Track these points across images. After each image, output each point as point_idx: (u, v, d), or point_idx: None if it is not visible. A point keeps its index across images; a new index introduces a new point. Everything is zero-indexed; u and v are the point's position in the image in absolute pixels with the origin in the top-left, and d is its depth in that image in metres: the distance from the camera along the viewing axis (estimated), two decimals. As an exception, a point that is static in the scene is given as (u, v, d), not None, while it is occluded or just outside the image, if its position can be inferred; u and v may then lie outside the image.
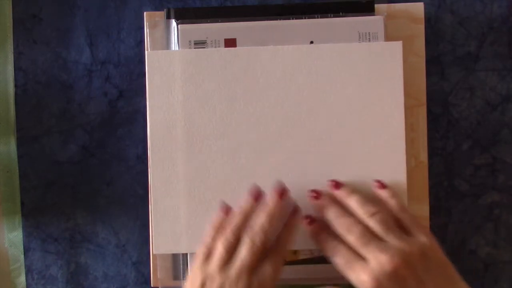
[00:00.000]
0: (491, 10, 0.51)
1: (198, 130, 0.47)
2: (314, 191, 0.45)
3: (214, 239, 0.43)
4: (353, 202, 0.44)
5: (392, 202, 0.44)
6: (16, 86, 0.53)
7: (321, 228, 0.44)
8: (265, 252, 0.43)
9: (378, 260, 0.40)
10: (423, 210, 0.49)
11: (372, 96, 0.46)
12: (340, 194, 0.45)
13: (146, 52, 0.47)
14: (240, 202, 0.45)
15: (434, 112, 0.52)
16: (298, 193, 0.46)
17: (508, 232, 0.52)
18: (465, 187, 0.52)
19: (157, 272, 0.49)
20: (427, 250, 0.41)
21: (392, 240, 0.41)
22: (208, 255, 0.43)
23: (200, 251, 0.43)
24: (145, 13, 0.50)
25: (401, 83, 0.46)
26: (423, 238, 0.42)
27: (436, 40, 0.52)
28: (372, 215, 0.42)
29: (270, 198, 0.44)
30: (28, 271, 0.53)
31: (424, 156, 0.49)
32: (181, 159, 0.47)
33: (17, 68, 0.53)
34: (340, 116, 0.46)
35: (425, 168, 0.49)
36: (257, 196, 0.44)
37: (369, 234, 0.41)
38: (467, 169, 0.52)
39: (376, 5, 0.48)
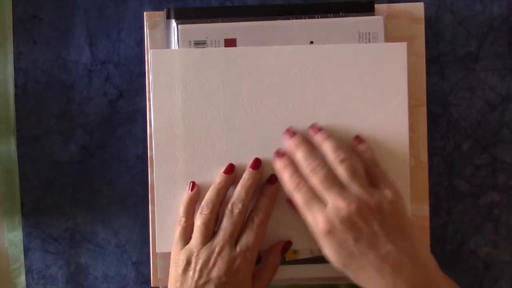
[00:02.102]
0: (491, 10, 0.51)
1: (201, 129, 0.47)
2: (289, 130, 0.45)
3: (187, 217, 0.45)
4: (327, 147, 0.43)
5: (367, 155, 0.44)
6: (16, 86, 0.53)
7: (289, 163, 0.44)
8: (244, 221, 0.44)
9: (335, 204, 0.40)
10: (423, 210, 0.49)
11: (376, 97, 0.46)
12: (316, 138, 0.45)
13: (150, 50, 0.47)
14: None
15: (434, 112, 0.52)
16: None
17: (508, 232, 0.52)
18: (465, 187, 0.52)
19: (157, 272, 0.49)
20: (386, 203, 0.41)
21: (355, 188, 0.41)
22: (186, 234, 0.44)
23: (177, 233, 0.44)
24: (145, 13, 0.50)
25: (405, 84, 0.46)
26: (387, 192, 0.42)
27: (436, 40, 0.52)
28: (342, 161, 0.42)
29: (245, 171, 0.45)
30: (28, 271, 0.53)
31: (424, 156, 0.49)
32: (183, 158, 0.47)
33: (17, 68, 0.53)
34: (343, 116, 0.46)
35: (425, 168, 0.49)
36: (228, 170, 0.45)
37: (333, 179, 0.41)
38: (467, 169, 0.52)
39: (376, 5, 0.48)
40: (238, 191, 0.44)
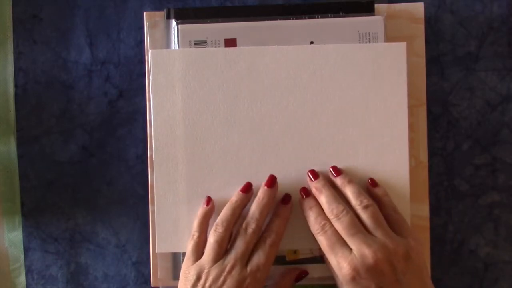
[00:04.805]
0: (491, 10, 0.51)
1: (201, 129, 0.47)
2: (312, 172, 0.46)
3: (200, 232, 0.45)
4: (348, 191, 0.44)
5: (386, 200, 0.45)
6: (16, 86, 0.53)
7: (315, 204, 0.45)
8: (257, 241, 0.44)
9: (361, 252, 0.41)
10: (423, 210, 0.49)
11: (376, 97, 0.46)
12: (338, 181, 0.45)
13: (150, 50, 0.47)
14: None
15: (434, 112, 0.52)
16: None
17: (508, 232, 0.52)
18: (465, 187, 0.52)
19: (157, 272, 0.49)
20: (411, 252, 0.42)
21: (380, 235, 0.42)
22: (198, 249, 0.44)
23: (189, 247, 0.45)
24: (145, 13, 0.50)
25: (405, 84, 0.46)
26: (410, 239, 0.42)
27: (436, 40, 0.52)
28: (365, 207, 0.43)
29: (260, 190, 0.45)
30: (28, 271, 0.53)
31: (424, 156, 0.49)
32: (184, 158, 0.47)
33: (17, 68, 0.53)
34: (343, 116, 0.46)
35: (425, 168, 0.49)
36: (246, 189, 0.46)
37: (358, 225, 0.42)
38: (467, 169, 0.52)
39: (376, 5, 0.48)
40: (253, 211, 0.44)
